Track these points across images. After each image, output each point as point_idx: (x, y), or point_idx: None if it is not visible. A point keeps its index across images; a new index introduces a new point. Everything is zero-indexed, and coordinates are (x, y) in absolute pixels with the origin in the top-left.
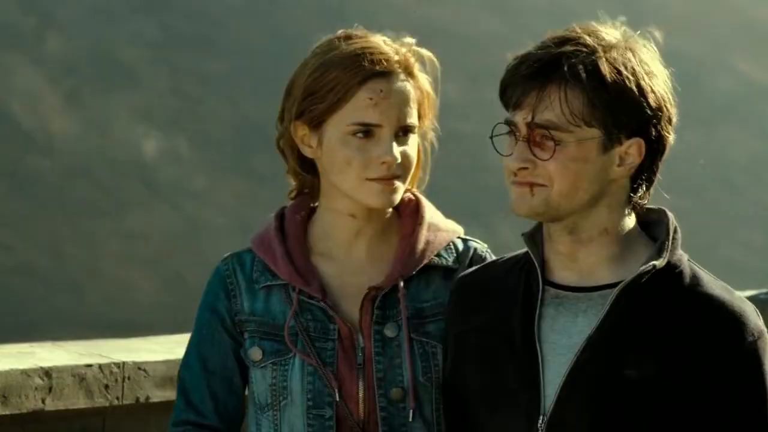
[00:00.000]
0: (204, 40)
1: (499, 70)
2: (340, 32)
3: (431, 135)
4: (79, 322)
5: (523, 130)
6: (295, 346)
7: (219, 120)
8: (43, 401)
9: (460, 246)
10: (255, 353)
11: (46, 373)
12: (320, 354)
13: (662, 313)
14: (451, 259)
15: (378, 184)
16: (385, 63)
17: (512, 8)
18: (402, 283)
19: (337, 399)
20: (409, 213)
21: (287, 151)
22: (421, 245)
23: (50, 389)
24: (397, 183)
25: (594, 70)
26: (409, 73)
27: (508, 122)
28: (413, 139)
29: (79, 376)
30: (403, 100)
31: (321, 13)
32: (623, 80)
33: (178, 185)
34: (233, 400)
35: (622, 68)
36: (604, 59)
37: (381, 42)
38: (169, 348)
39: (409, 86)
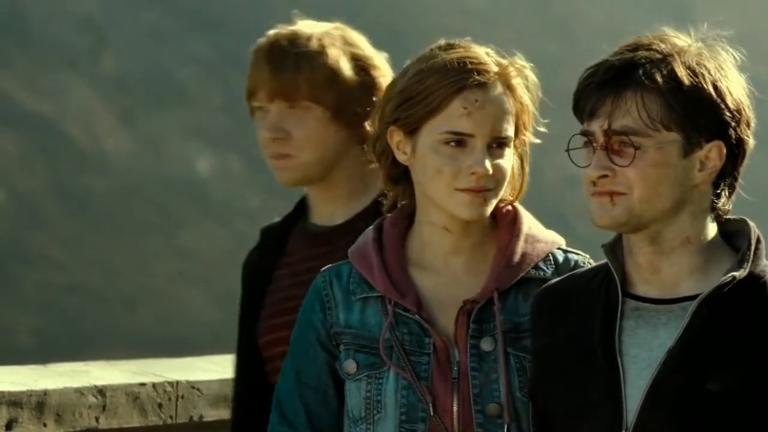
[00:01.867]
0: None
1: (556, 92)
2: (441, 41)
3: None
4: (132, 340)
5: (601, 138)
6: (390, 360)
7: None
8: (96, 420)
9: (560, 257)
10: (349, 366)
11: (100, 391)
12: (415, 368)
13: (744, 324)
14: (549, 271)
15: (467, 194)
16: (483, 74)
17: (571, 31)
18: (497, 297)
19: (431, 413)
20: (507, 224)
21: (382, 156)
22: (517, 257)
23: (104, 407)
24: (488, 195)
25: (670, 73)
26: (508, 86)
27: (585, 132)
28: (508, 153)
29: (132, 394)
30: (499, 111)
31: (377, 37)
32: (700, 82)
33: (231, 204)
34: (327, 413)
35: (697, 70)
36: (679, 62)
37: (482, 52)
38: (223, 367)
39: (506, 99)
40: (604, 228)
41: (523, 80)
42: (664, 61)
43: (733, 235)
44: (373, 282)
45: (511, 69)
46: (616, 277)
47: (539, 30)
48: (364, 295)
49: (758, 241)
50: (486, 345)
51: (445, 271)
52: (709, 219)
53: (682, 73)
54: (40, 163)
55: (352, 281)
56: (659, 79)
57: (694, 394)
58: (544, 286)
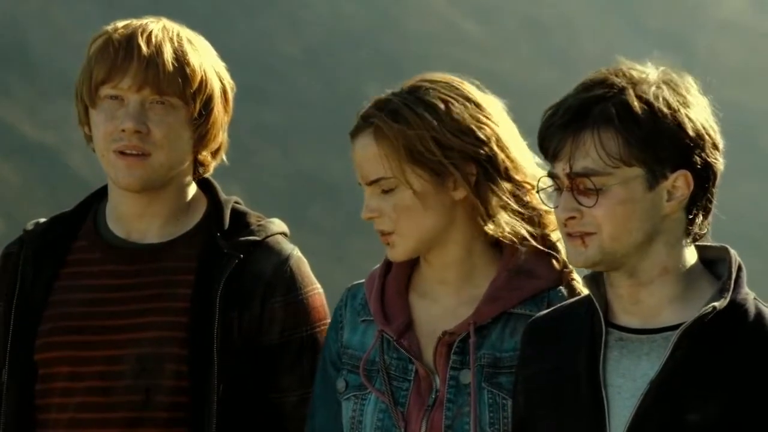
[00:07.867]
0: (259, 91)
1: None
2: None
3: None
4: None
5: (565, 180)
6: (371, 382)
7: (273, 170)
8: None
9: (557, 298)
10: (340, 384)
11: None
12: (395, 392)
13: (725, 354)
14: (539, 311)
15: None
16: None
17: (570, 61)
18: (473, 330)
19: None
20: (506, 258)
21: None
22: (502, 292)
23: None
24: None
25: (624, 108)
26: None
27: (551, 175)
28: None
29: None
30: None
31: (376, 65)
32: (655, 113)
33: None
34: (336, 429)
35: (653, 101)
36: (633, 96)
37: None
38: None
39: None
40: (580, 268)
41: None
42: (619, 95)
43: (715, 263)
44: (369, 305)
45: None
46: (599, 308)
47: (538, 60)
48: (366, 318)
49: (739, 269)
50: (465, 377)
51: (442, 301)
52: (685, 245)
53: (636, 106)
54: (40, 192)
55: (361, 302)
56: (614, 115)
57: (676, 425)
58: (533, 318)
